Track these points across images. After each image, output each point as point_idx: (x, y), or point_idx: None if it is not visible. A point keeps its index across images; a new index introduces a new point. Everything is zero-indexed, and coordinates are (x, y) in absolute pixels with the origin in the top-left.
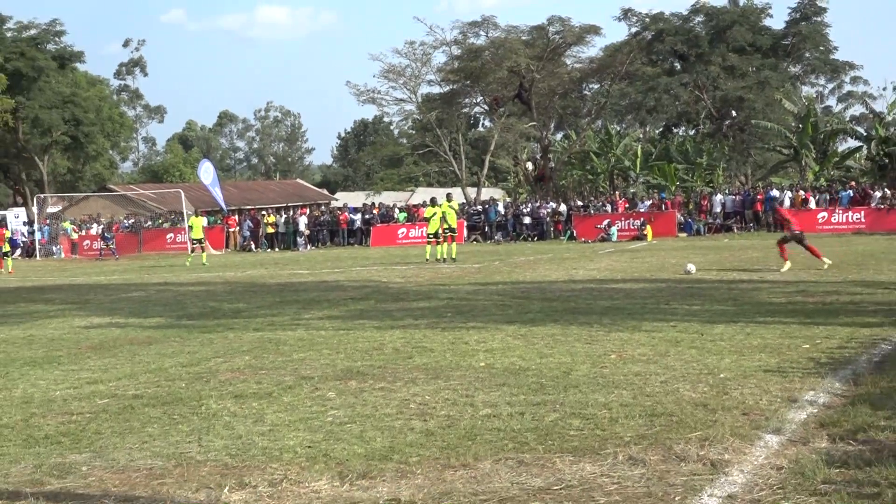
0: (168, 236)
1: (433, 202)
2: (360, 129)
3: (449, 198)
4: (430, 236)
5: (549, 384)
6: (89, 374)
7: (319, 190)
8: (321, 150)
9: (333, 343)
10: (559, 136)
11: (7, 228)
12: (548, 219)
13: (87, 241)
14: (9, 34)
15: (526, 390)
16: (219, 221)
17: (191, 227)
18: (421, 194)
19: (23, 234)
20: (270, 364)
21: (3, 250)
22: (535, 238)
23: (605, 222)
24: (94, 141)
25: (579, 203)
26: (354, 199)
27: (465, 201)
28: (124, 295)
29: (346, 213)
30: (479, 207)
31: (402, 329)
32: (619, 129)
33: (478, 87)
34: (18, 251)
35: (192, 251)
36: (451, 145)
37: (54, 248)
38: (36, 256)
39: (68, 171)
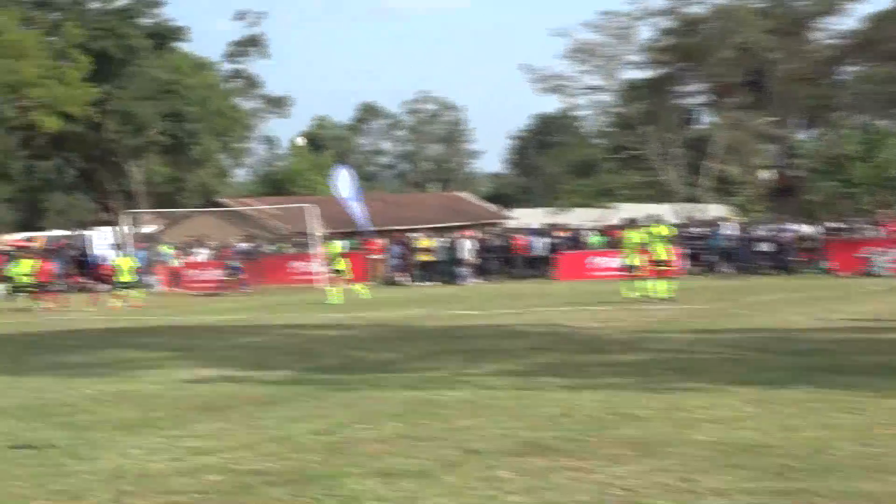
0: (293, 264)
1: (634, 224)
2: (541, 127)
3: (657, 220)
4: (629, 269)
5: (798, 467)
6: (195, 443)
7: (488, 206)
8: (491, 154)
9: (509, 407)
10: (806, 135)
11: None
12: (793, 245)
13: (193, 271)
14: (94, 5)
15: (766, 474)
16: (358, 246)
17: (334, 256)
18: (621, 212)
19: (109, 261)
20: (427, 433)
21: (124, 280)
22: (776, 271)
23: (870, 250)
24: (200, 141)
25: (834, 224)
26: (534, 217)
27: (679, 222)
28: (240, 340)
29: (524, 237)
30: (700, 230)
31: (599, 390)
32: (887, 125)
33: (696, 70)
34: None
35: (335, 285)
36: (661, 148)
37: (150, 279)
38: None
39: (167, 179)
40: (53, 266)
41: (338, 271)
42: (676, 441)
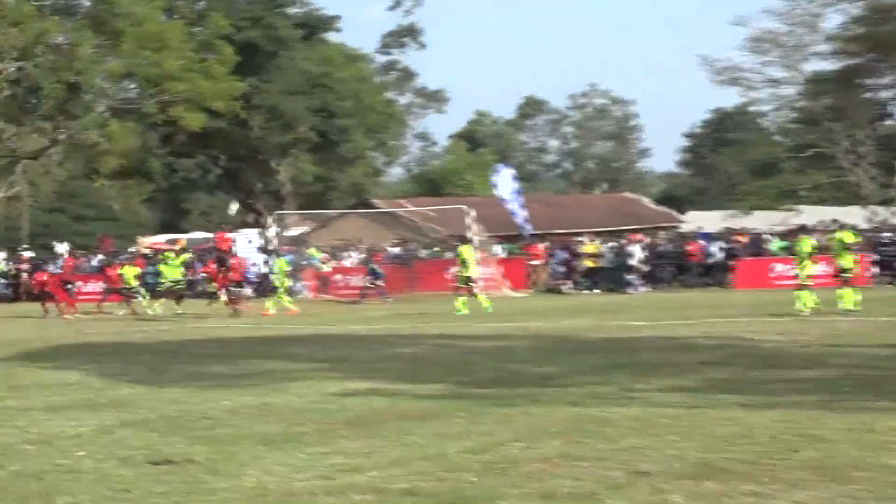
0: (449, 270)
1: (805, 230)
2: (718, 123)
3: (842, 226)
4: (802, 279)
5: None
6: (344, 460)
7: (660, 208)
8: (663, 152)
9: (681, 426)
10: None
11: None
12: None
13: (342, 276)
14: None
15: None
16: (519, 251)
17: (465, 261)
18: (806, 215)
19: (255, 266)
20: (592, 453)
21: (280, 285)
22: None
23: None
24: (351, 138)
25: None
26: (710, 220)
27: (869, 226)
28: (391, 351)
29: (699, 242)
30: (892, 236)
31: (780, 409)
32: None
33: (889, 61)
34: (250, 289)
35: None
36: (850, 145)
37: (298, 285)
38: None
39: (316, 179)
40: (196, 269)
41: (466, 279)
42: (865, 465)
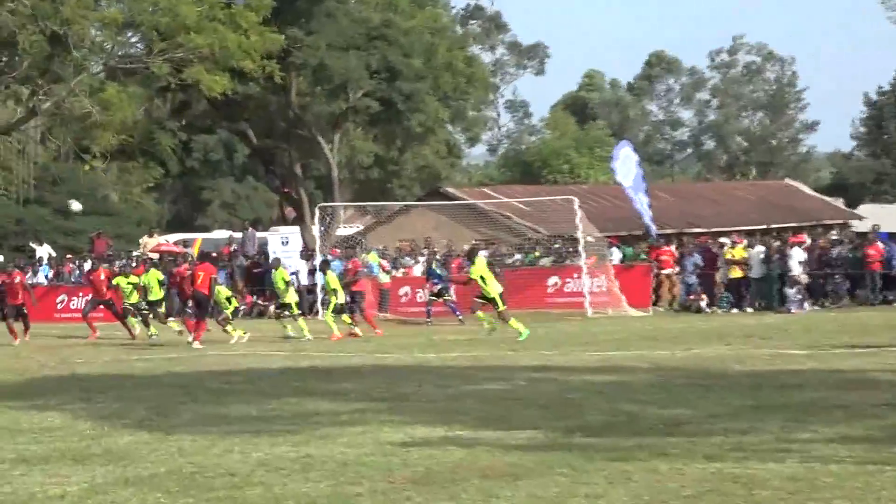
0: (551, 280)
1: None
2: None
3: None
4: None
5: None
6: None
7: (828, 199)
8: (832, 127)
9: (855, 488)
10: None
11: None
12: None
13: (407, 289)
14: None
15: None
16: (641, 256)
17: (482, 279)
18: None
19: (295, 275)
20: None
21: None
22: None
23: None
24: (422, 107)
25: None
26: (894, 217)
27: None
28: (471, 387)
29: (881, 245)
30: None
31: None
32: None
33: None
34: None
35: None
36: None
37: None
38: (318, 312)
39: (375, 161)
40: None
41: (487, 299)
42: None
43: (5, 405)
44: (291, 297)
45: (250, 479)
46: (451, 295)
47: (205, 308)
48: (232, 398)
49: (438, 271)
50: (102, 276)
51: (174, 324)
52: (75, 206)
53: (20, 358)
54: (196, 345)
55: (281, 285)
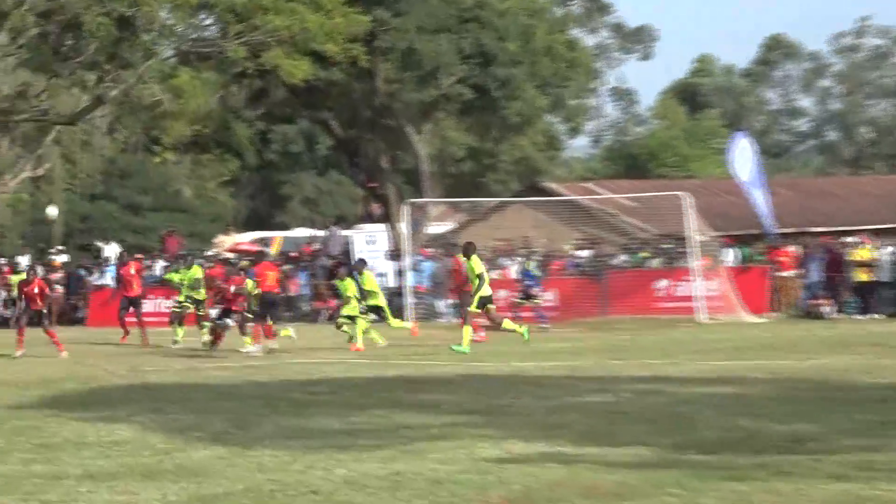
0: (659, 284)
1: None
2: None
3: None
4: None
5: None
6: None
7: None
8: None
9: None
10: None
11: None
12: None
13: (502, 292)
14: None
15: None
16: (759, 257)
17: (478, 276)
18: None
19: (382, 277)
20: None
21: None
22: None
23: None
24: (520, 95)
25: None
26: None
27: None
28: (572, 399)
29: None
30: None
31: None
32: None
33: None
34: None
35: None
36: None
37: (442, 304)
38: (407, 317)
39: (468, 154)
40: (296, 281)
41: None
42: None
43: (70, 416)
44: (381, 301)
45: (334, 498)
46: (541, 300)
47: (276, 308)
48: (315, 410)
49: (535, 273)
50: (133, 271)
51: (204, 333)
52: (52, 211)
53: (85, 365)
54: (259, 349)
55: (363, 288)
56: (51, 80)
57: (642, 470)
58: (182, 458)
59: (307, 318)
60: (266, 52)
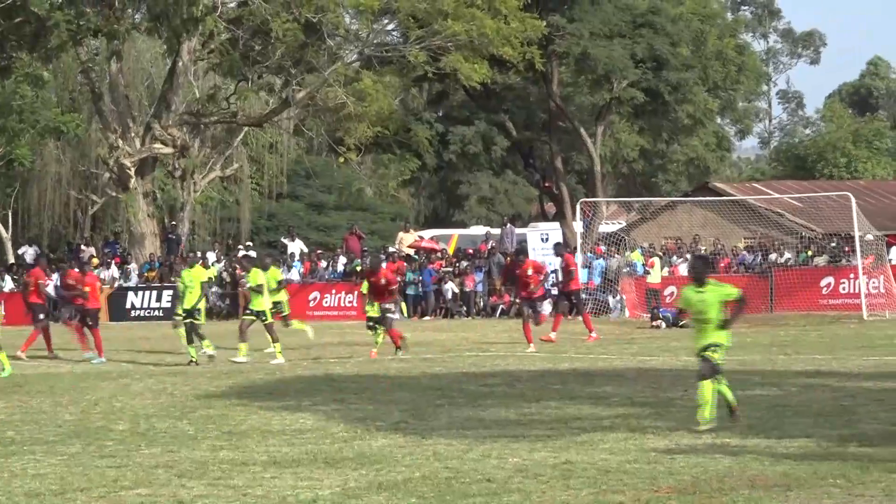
0: (825, 281)
1: None
2: None
3: None
4: None
5: None
6: None
7: None
8: None
9: None
10: None
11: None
12: None
13: (671, 288)
14: None
15: None
16: None
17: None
18: None
19: (554, 273)
20: None
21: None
22: None
23: None
24: (690, 98)
25: None
26: None
27: None
28: (739, 393)
29: None
30: None
31: None
32: None
33: None
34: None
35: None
36: None
37: (610, 300)
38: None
39: (640, 154)
40: (472, 277)
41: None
42: None
43: (256, 405)
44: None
45: (508, 486)
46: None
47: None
48: (490, 401)
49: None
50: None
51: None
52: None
53: (271, 356)
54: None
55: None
56: (239, 83)
57: (807, 461)
58: (362, 447)
59: (483, 313)
60: (445, 56)
